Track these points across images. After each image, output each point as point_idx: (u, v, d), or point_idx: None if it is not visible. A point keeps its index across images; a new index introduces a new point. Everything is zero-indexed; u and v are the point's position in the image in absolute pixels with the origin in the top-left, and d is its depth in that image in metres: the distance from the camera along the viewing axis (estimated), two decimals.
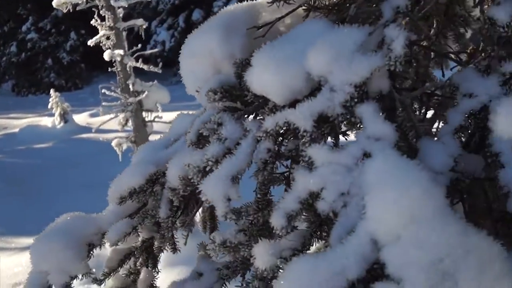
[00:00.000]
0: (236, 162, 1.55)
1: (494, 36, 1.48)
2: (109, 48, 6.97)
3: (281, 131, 1.52)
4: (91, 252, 2.28)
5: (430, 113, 2.14)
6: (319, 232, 1.56)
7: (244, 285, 1.79)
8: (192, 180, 1.69)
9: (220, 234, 1.75)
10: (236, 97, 1.72)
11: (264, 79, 1.54)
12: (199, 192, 1.62)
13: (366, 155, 1.38)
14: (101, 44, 6.97)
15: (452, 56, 2.14)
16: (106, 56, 6.83)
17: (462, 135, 1.50)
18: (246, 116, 1.68)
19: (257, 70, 1.57)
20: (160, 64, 7.23)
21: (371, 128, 1.40)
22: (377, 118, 1.40)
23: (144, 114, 7.23)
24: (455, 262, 1.14)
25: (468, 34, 2.39)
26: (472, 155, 1.60)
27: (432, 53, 2.23)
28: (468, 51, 2.13)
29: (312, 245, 1.59)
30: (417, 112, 2.07)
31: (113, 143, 6.96)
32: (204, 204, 2.13)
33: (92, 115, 15.87)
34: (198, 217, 3.61)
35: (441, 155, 1.42)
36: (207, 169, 1.60)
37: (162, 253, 2.42)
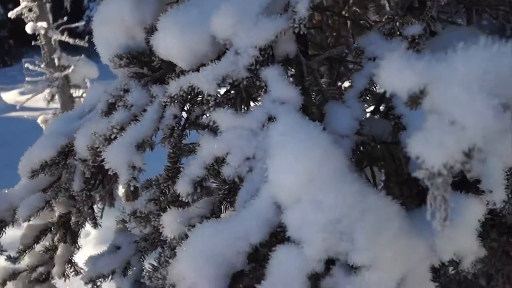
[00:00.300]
0: (141, 129, 1.50)
1: (398, 1, 1.48)
2: (32, 20, 6.68)
3: (188, 97, 1.48)
4: (3, 229, 2.20)
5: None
6: (228, 199, 1.54)
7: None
8: (99, 149, 1.63)
9: (130, 204, 1.71)
10: (145, 63, 1.67)
11: (168, 43, 1.50)
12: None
13: (271, 118, 1.37)
14: (23, 17, 6.67)
15: (368, 25, 2.16)
16: (29, 29, 6.54)
17: (368, 98, 1.50)
18: (153, 82, 1.63)
19: (162, 34, 1.52)
20: (87, 38, 6.98)
21: (276, 92, 1.38)
22: (282, 82, 1.39)
23: (71, 90, 7.00)
24: (352, 222, 1.14)
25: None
26: (381, 120, 1.62)
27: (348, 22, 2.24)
28: (383, 20, 2.15)
29: (222, 212, 1.57)
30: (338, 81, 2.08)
31: (39, 120, 6.71)
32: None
33: (22, 93, 15.28)
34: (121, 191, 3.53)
35: (347, 118, 1.42)
36: (112, 137, 1.55)
37: (93, 231, 2.36)
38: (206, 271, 1.26)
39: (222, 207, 1.55)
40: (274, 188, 1.24)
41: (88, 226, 2.33)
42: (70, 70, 6.70)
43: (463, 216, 1.18)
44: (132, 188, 1.53)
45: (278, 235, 1.29)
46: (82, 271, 2.34)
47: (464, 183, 1.25)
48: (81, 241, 2.43)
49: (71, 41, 6.71)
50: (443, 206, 0.94)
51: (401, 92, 0.86)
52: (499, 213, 1.35)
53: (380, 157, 1.68)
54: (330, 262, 1.19)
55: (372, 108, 1.68)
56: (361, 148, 1.45)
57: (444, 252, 1.18)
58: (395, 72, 0.84)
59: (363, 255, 1.12)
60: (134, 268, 2.15)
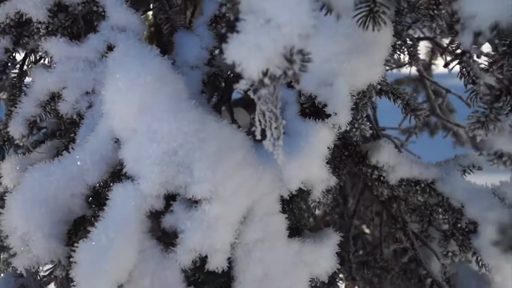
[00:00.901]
0: None
1: None
2: None
3: (18, 26, 1.31)
4: None
5: None
6: (74, 142, 1.40)
7: None
8: None
9: None
10: None
11: None
12: None
13: (110, 47, 1.24)
14: None
15: None
16: None
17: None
18: None
19: None
20: None
21: (115, 18, 1.25)
22: (121, 7, 1.25)
23: None
24: (190, 152, 1.04)
25: None
26: None
27: None
28: None
29: None
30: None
31: None
32: None
33: None
34: None
35: (196, 48, 1.32)
36: None
37: None
38: (38, 218, 1.12)
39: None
40: (109, 121, 1.12)
41: None
42: None
43: (311, 143, 1.11)
44: None
45: (119, 174, 1.17)
46: None
47: (315, 111, 1.19)
48: None
49: None
50: (274, 123, 0.86)
51: None
52: (353, 142, 1.30)
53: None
54: (171, 198, 1.09)
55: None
56: (214, 80, 1.35)
57: (292, 181, 1.11)
58: None
59: (202, 186, 1.03)
60: None
